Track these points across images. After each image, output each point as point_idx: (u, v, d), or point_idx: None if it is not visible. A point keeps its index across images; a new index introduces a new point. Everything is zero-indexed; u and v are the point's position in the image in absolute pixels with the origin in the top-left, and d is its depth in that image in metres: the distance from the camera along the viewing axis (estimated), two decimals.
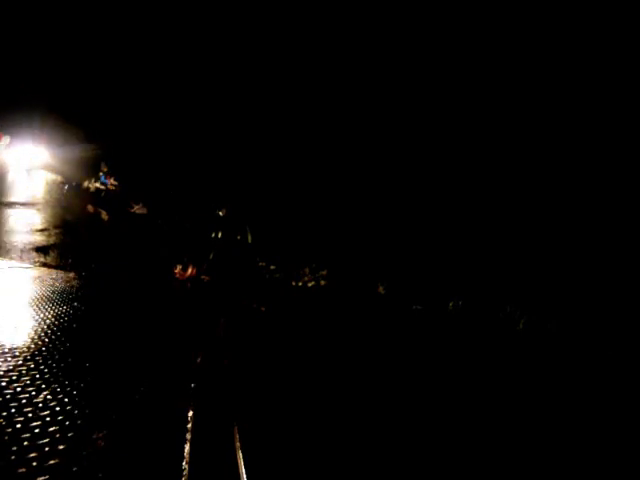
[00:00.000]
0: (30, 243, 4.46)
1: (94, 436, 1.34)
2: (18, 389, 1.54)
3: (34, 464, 1.16)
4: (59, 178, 9.93)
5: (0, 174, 2.88)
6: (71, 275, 3.39)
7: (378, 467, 1.65)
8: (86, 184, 9.58)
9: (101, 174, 10.25)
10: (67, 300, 2.69)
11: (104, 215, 7.22)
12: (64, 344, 2.00)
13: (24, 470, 1.14)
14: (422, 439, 1.94)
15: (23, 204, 7.24)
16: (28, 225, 5.48)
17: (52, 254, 4.15)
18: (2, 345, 1.88)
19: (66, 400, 1.52)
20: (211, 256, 4.74)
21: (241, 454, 1.44)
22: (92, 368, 1.81)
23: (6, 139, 2.79)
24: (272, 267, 5.20)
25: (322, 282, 4.90)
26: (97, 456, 1.26)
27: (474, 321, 4.34)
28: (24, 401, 1.47)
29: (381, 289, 4.94)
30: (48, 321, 2.26)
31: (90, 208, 7.65)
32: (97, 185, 9.81)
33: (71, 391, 1.59)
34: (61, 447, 1.26)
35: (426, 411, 2.24)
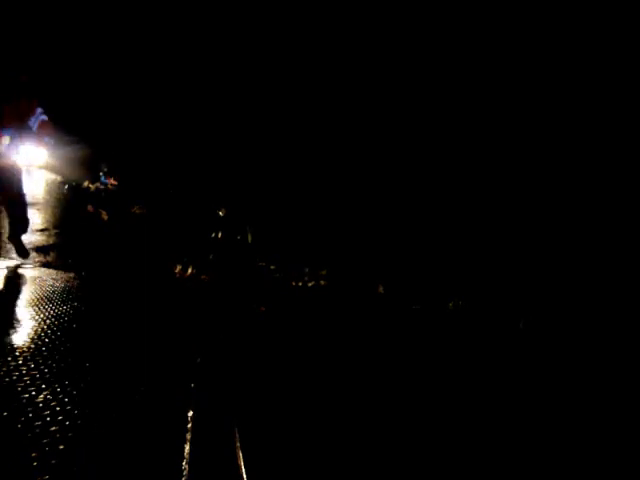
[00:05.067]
0: (30, 243, 4.46)
1: (94, 436, 1.34)
2: (19, 389, 1.54)
3: (35, 464, 1.16)
4: (59, 178, 9.91)
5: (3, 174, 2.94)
6: (71, 275, 3.39)
7: (378, 467, 1.66)
8: (86, 184, 9.58)
9: (101, 174, 10.25)
10: (67, 300, 2.69)
11: (104, 215, 7.22)
12: (64, 344, 2.00)
13: (25, 470, 1.14)
14: (422, 440, 1.94)
15: None
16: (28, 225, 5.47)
17: (52, 254, 4.15)
18: (2, 345, 1.88)
19: (66, 400, 1.52)
20: (211, 256, 4.75)
21: (241, 454, 1.44)
22: (92, 368, 1.81)
23: (6, 139, 2.78)
24: (272, 267, 5.20)
25: (322, 282, 4.90)
26: (97, 456, 1.26)
27: (474, 321, 4.34)
28: (24, 401, 1.47)
29: (381, 289, 4.94)
30: (48, 321, 2.26)
31: (90, 208, 7.65)
32: (97, 185, 9.81)
33: (71, 391, 1.59)
34: (61, 447, 1.26)
35: (426, 411, 2.24)
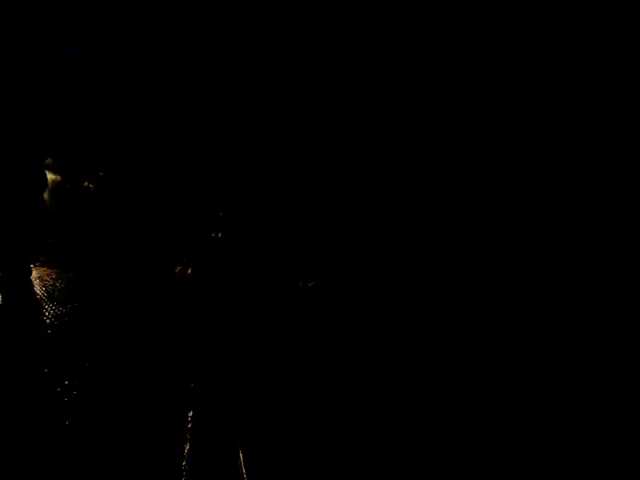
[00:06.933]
0: None
1: (94, 436, 1.35)
2: (19, 389, 1.54)
3: (36, 464, 1.17)
4: (59, 178, 9.92)
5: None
6: (71, 275, 3.39)
7: (378, 467, 1.66)
8: (86, 184, 9.58)
9: (101, 174, 10.25)
10: (67, 299, 2.69)
11: (105, 215, 7.23)
12: (64, 344, 2.00)
13: (26, 470, 1.14)
14: (425, 444, 1.94)
15: None
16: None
17: (52, 254, 4.16)
18: (3, 345, 1.88)
19: (65, 399, 1.52)
20: (211, 256, 4.75)
21: (241, 454, 1.44)
22: (92, 368, 1.82)
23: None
24: (272, 267, 5.20)
25: (322, 282, 4.90)
26: (97, 456, 1.26)
27: (474, 321, 4.35)
28: (25, 402, 1.47)
29: (381, 289, 4.94)
30: (48, 321, 2.26)
31: (90, 208, 7.66)
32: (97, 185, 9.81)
33: (71, 391, 1.59)
34: (62, 447, 1.26)
35: (429, 415, 2.24)
